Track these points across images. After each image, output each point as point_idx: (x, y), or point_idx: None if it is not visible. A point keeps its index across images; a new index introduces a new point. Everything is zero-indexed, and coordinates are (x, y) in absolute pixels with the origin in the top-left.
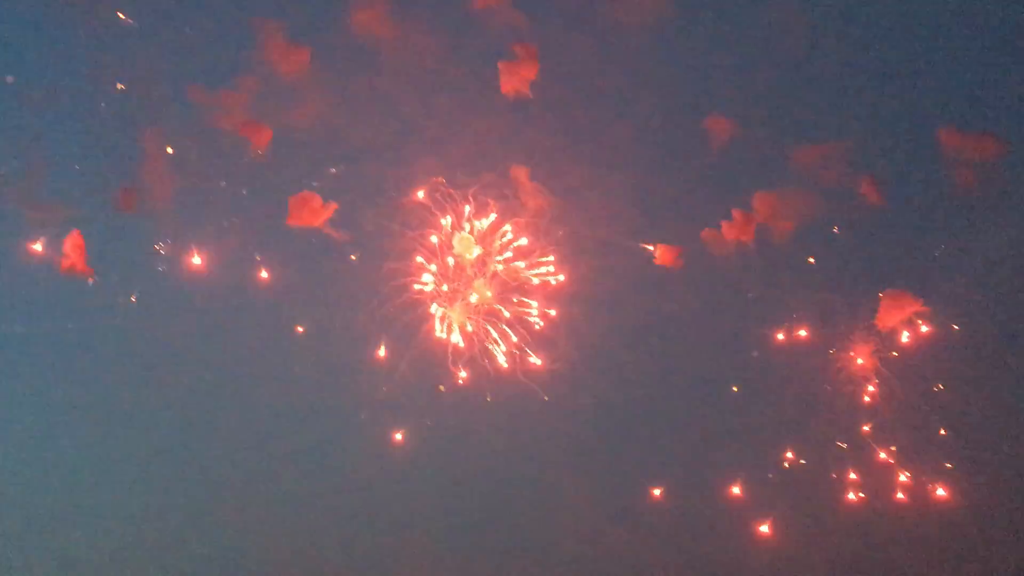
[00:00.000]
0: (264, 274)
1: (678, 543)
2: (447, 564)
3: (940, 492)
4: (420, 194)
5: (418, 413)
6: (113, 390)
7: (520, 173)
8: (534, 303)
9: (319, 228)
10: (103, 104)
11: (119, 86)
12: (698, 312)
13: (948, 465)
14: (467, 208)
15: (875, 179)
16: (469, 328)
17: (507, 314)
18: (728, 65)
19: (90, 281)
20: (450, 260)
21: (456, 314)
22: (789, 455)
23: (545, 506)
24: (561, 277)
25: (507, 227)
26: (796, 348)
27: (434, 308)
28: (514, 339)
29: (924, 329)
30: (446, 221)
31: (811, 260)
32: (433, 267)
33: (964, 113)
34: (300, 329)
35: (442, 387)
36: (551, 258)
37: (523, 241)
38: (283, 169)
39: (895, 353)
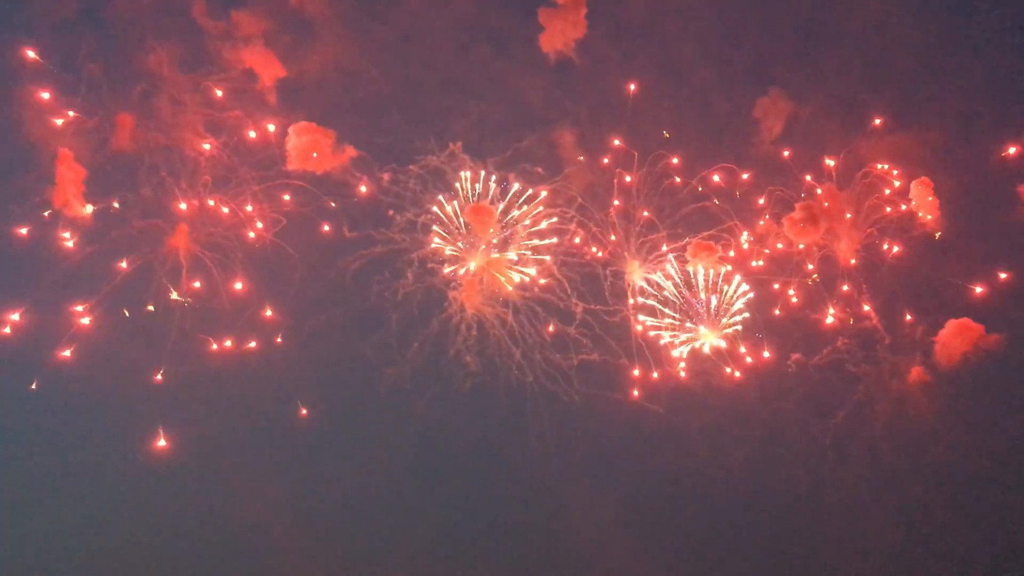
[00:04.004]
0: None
1: None
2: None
3: None
4: (438, 156)
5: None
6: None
7: (559, 140)
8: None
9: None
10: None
11: None
12: None
13: None
14: (482, 175)
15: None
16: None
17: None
18: (793, 38)
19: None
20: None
21: (470, 296)
22: None
23: None
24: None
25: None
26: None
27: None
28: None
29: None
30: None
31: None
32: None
33: None
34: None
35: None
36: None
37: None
38: (289, 112)
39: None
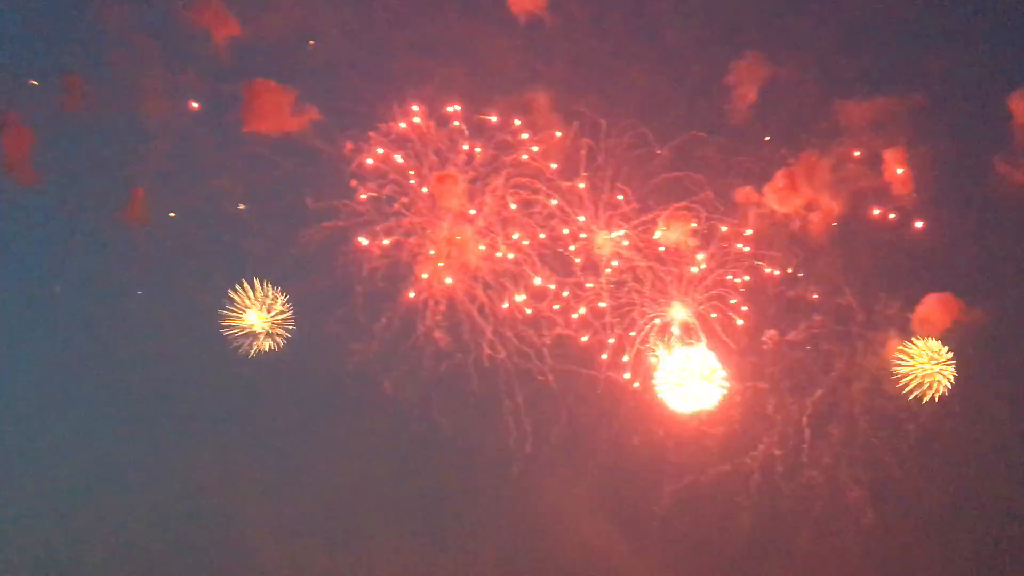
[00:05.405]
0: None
1: None
2: None
3: None
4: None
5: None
6: None
7: (529, 106)
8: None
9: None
10: None
11: None
12: None
13: None
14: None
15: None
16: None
17: None
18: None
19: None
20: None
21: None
22: None
23: None
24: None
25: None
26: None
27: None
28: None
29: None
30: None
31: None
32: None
33: None
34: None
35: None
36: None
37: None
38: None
39: None
